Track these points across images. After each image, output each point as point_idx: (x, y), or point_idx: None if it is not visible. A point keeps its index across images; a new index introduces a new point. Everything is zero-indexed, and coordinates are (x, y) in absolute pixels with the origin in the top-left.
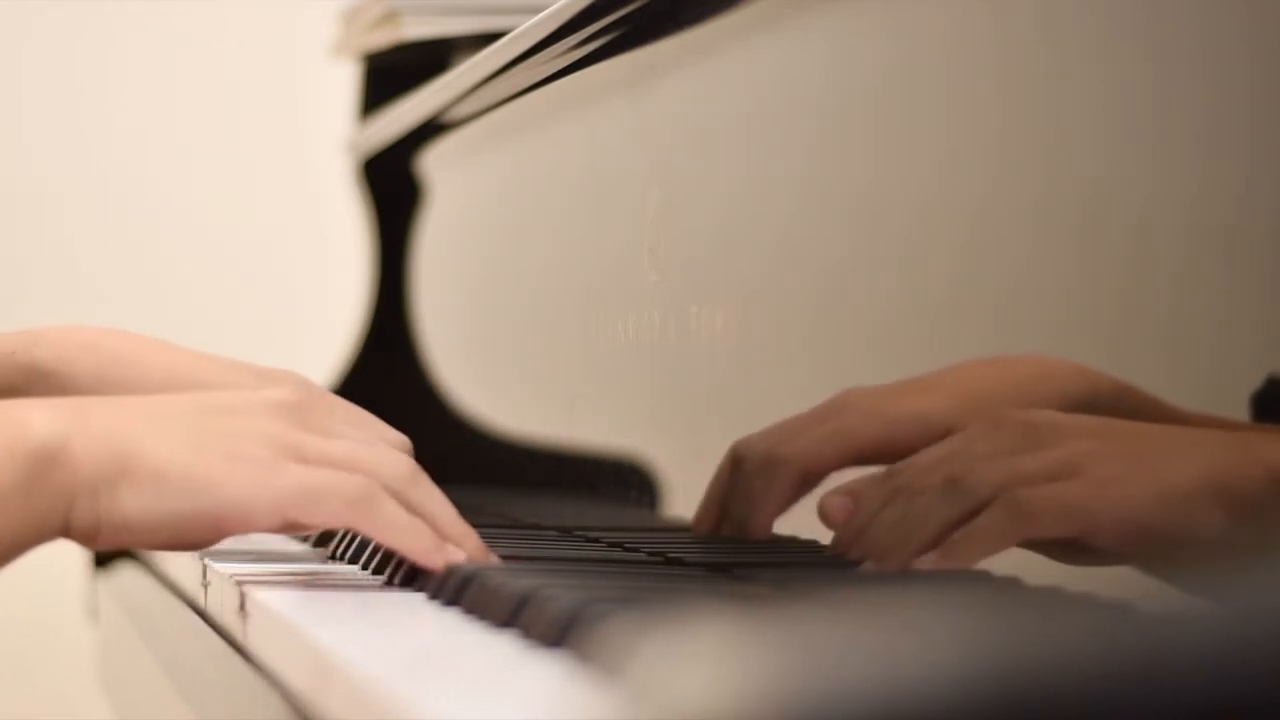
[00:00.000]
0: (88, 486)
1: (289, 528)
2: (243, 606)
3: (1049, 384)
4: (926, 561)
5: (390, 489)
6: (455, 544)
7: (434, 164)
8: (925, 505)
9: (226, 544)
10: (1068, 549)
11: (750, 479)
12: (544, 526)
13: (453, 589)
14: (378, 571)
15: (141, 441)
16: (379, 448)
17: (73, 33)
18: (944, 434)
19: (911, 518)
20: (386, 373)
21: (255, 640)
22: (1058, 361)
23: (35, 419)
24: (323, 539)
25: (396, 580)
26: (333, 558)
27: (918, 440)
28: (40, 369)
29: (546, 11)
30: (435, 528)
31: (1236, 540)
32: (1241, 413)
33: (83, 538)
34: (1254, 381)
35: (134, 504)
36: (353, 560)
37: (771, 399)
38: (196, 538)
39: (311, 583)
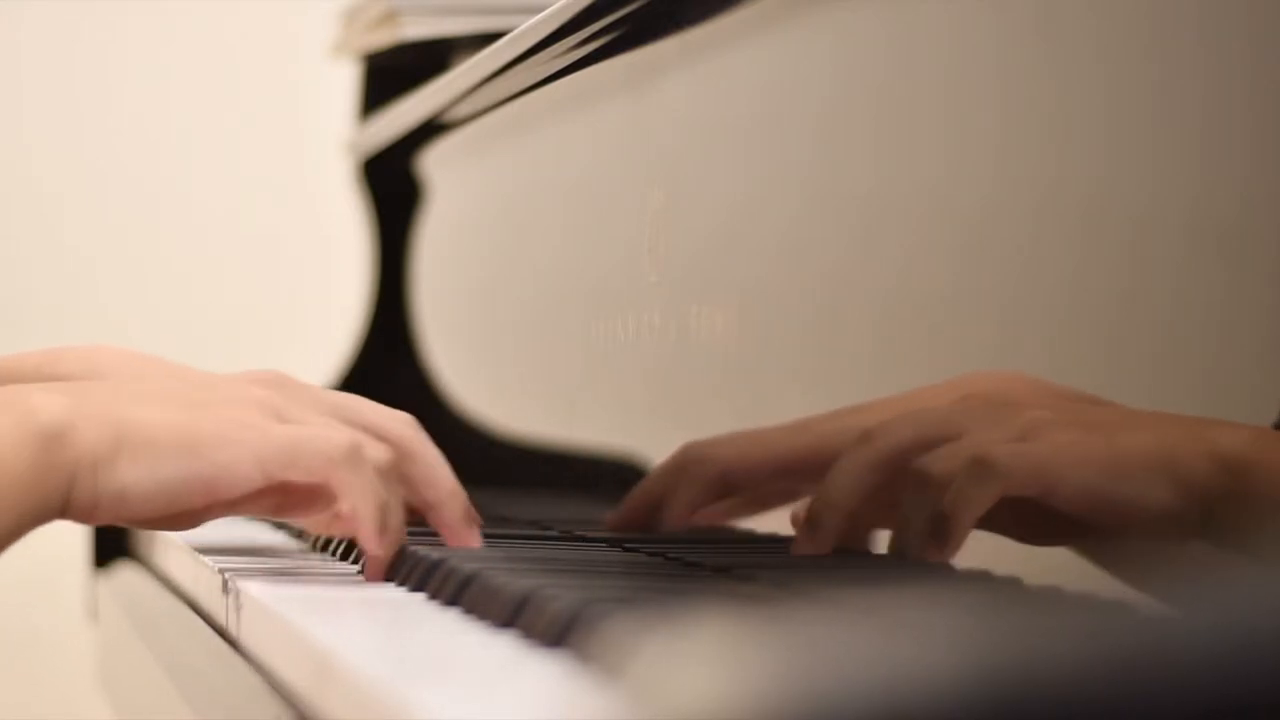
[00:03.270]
0: (88, 463)
1: (277, 492)
2: (242, 606)
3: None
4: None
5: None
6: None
7: (434, 164)
8: (908, 503)
9: (227, 542)
10: (1027, 524)
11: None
12: (544, 526)
13: (453, 589)
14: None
15: (136, 414)
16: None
17: (72, 33)
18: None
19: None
20: (386, 373)
21: (255, 640)
22: (1004, 375)
23: (40, 401)
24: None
25: (397, 579)
26: (334, 555)
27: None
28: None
29: (546, 11)
30: None
31: (1183, 523)
32: (1245, 417)
33: (81, 515)
34: (1254, 383)
35: (130, 475)
36: (356, 559)
37: (771, 399)
38: (189, 504)
39: (312, 581)
